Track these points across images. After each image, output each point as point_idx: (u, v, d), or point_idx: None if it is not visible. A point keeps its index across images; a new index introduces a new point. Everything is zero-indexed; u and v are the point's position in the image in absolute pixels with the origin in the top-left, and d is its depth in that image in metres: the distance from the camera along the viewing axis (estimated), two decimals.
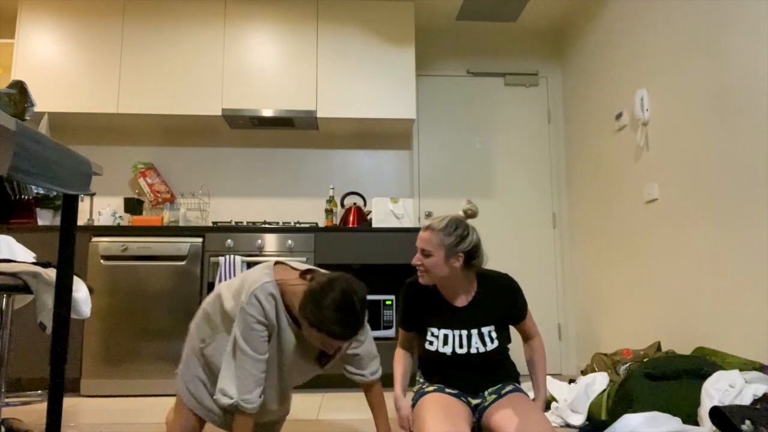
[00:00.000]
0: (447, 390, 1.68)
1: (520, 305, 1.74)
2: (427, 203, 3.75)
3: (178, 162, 3.61)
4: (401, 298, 1.80)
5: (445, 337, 1.69)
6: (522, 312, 1.74)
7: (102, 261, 2.86)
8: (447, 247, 1.62)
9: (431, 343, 1.70)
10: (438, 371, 1.72)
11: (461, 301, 1.72)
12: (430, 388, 1.69)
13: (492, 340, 1.69)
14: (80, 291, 1.89)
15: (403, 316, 1.81)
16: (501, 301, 1.72)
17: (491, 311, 1.71)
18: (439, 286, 1.73)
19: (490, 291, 1.73)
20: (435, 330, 1.71)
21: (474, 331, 1.69)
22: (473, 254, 1.66)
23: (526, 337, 1.79)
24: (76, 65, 3.28)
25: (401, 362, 1.81)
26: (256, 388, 1.52)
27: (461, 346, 1.68)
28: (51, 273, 1.72)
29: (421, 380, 1.80)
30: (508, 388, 1.67)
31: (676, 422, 1.72)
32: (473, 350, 1.67)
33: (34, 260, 1.95)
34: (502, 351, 1.72)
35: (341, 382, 3.01)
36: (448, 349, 1.68)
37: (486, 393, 1.68)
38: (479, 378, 1.70)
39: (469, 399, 1.69)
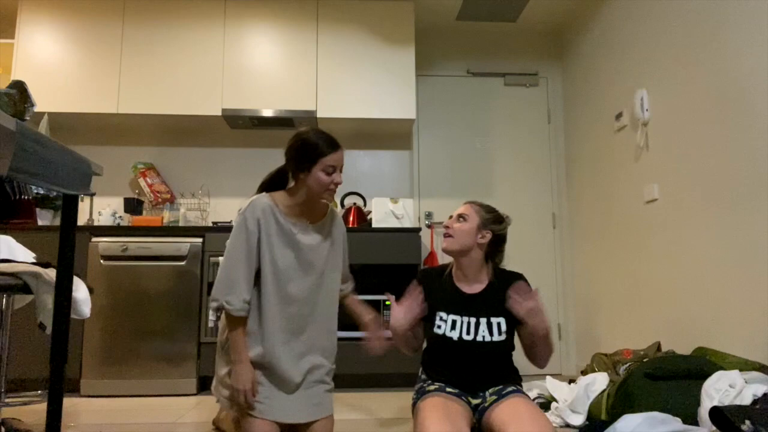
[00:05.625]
0: (448, 389, 1.67)
1: None
2: (427, 203, 3.75)
3: (178, 162, 3.61)
4: (414, 283, 1.83)
5: (453, 322, 1.72)
6: None
7: (102, 261, 2.86)
8: (483, 219, 1.76)
9: (439, 327, 1.73)
10: (442, 360, 1.72)
11: (473, 289, 1.77)
12: (431, 387, 1.68)
13: (500, 332, 1.71)
14: (80, 291, 1.89)
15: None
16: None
17: (503, 304, 1.73)
18: (455, 267, 1.80)
19: (504, 285, 1.75)
20: (444, 314, 1.74)
21: (483, 320, 1.71)
22: (499, 243, 1.80)
23: None
24: (76, 65, 3.28)
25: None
26: (241, 293, 1.63)
27: (468, 333, 1.70)
28: (51, 273, 1.72)
29: (423, 376, 1.79)
30: (510, 389, 1.66)
31: (676, 422, 1.72)
32: (479, 338, 1.69)
33: (34, 260, 1.95)
34: (508, 347, 1.73)
35: (340, 383, 3.01)
36: (455, 334, 1.70)
37: (487, 393, 1.68)
38: (482, 374, 1.69)
39: (470, 399, 1.68)
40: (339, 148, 1.74)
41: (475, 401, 1.67)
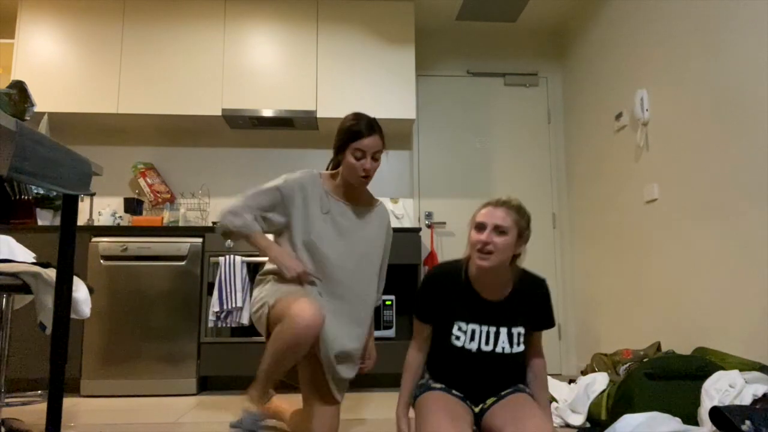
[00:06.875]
0: (453, 392, 1.60)
1: (550, 313, 1.66)
2: (427, 203, 3.75)
3: (178, 162, 3.61)
4: (423, 286, 1.64)
5: (473, 332, 1.56)
6: (550, 321, 1.66)
7: (102, 261, 2.85)
8: (520, 229, 1.54)
9: (458, 338, 1.56)
10: (454, 370, 1.60)
11: (495, 296, 1.59)
12: (436, 385, 1.62)
13: (519, 343, 1.58)
14: (80, 291, 1.89)
15: (421, 305, 1.63)
16: (534, 305, 1.63)
17: (524, 313, 1.60)
18: (477, 273, 1.58)
19: (527, 292, 1.62)
20: (463, 324, 1.57)
21: (503, 329, 1.57)
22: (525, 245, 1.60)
23: (532, 354, 1.67)
24: (76, 65, 3.28)
25: (411, 374, 1.65)
26: (242, 212, 1.72)
27: (487, 343, 1.56)
28: (51, 273, 1.72)
29: (427, 375, 1.69)
30: (508, 390, 1.61)
31: (676, 422, 1.72)
32: (499, 349, 1.56)
33: (34, 260, 1.95)
34: (524, 358, 1.63)
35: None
36: (474, 346, 1.55)
37: (488, 400, 1.62)
38: (493, 385, 1.60)
39: (472, 406, 1.63)
40: (370, 134, 1.73)
41: (477, 408, 1.62)
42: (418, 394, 1.62)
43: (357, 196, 1.87)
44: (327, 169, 1.93)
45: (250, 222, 1.71)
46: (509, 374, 1.62)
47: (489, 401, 1.60)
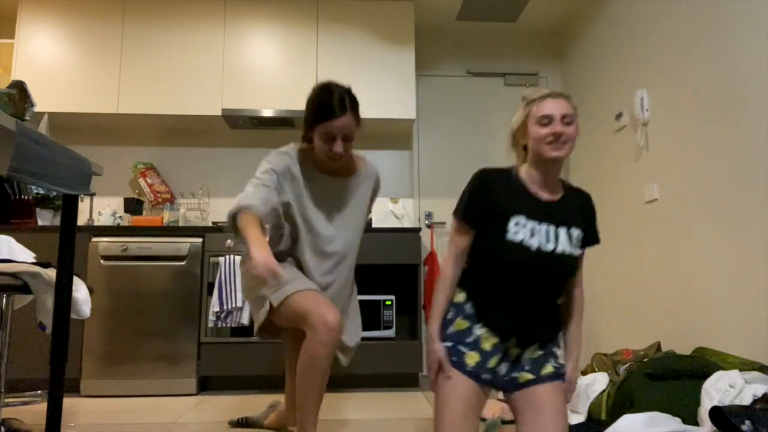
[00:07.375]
0: (483, 376, 1.43)
1: (597, 228, 1.58)
2: (427, 203, 3.75)
3: (178, 162, 3.61)
4: (475, 184, 1.50)
5: (532, 230, 1.43)
6: (596, 235, 1.57)
7: (102, 261, 2.86)
8: (577, 120, 1.46)
9: (516, 233, 1.42)
10: (503, 282, 1.45)
11: (550, 197, 1.50)
12: (469, 360, 1.43)
13: (578, 245, 1.48)
14: (80, 291, 1.89)
15: (470, 203, 1.48)
16: (585, 214, 1.56)
17: (579, 217, 1.52)
18: (532, 173, 1.49)
19: (576, 199, 1.56)
20: (522, 219, 1.44)
21: (563, 229, 1.46)
22: None
23: (573, 283, 1.55)
24: (76, 65, 3.28)
25: (446, 290, 1.50)
26: (258, 203, 1.54)
27: (548, 241, 1.43)
28: (51, 273, 1.72)
29: (460, 311, 1.49)
30: (548, 369, 1.45)
31: (676, 422, 1.72)
32: (560, 249, 1.44)
33: (34, 260, 1.95)
34: (578, 268, 1.52)
35: (343, 382, 3.01)
36: (534, 242, 1.42)
37: (526, 356, 1.47)
38: (538, 310, 1.46)
39: (509, 349, 1.46)
40: (339, 115, 1.54)
41: (514, 351, 1.46)
42: (451, 348, 1.46)
43: (339, 167, 1.74)
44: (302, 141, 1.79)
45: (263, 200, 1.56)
46: (559, 293, 1.51)
47: (525, 375, 1.45)
